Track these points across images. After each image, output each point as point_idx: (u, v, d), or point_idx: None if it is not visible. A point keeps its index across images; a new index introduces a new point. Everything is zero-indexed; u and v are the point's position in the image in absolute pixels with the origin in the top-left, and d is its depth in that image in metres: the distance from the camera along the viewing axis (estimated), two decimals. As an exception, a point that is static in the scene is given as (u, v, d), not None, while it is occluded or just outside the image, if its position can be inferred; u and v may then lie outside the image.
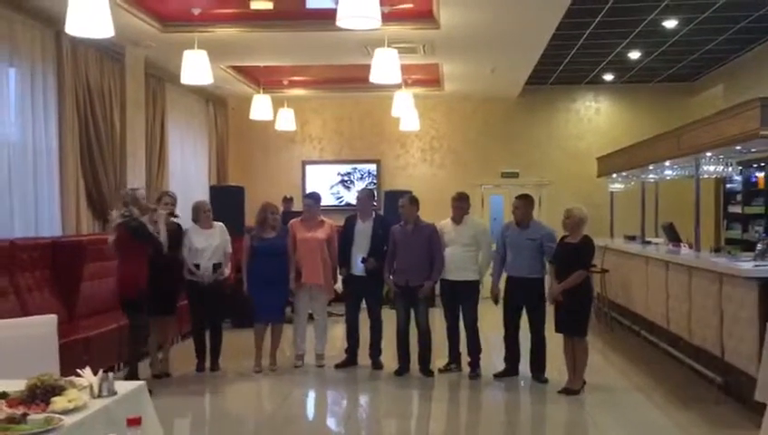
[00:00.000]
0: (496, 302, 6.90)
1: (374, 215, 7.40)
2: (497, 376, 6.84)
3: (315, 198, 7.52)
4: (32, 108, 7.33)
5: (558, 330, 6.42)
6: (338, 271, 7.38)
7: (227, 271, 7.25)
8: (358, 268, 7.15)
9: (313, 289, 7.30)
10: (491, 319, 7.21)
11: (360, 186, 12.76)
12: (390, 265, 7.08)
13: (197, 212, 7.16)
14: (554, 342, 6.64)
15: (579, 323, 6.30)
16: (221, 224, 7.23)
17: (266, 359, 7.22)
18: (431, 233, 6.98)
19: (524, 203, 6.84)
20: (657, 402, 6.13)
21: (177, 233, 6.97)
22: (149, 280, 6.86)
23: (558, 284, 6.31)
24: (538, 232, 6.75)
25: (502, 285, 6.92)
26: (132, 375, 6.08)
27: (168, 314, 6.96)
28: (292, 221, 7.52)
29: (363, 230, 7.21)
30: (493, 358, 7.36)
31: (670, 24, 9.14)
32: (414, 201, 7.09)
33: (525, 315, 6.82)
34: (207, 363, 7.12)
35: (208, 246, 7.00)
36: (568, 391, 6.29)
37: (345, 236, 7.27)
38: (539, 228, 6.85)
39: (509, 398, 6.37)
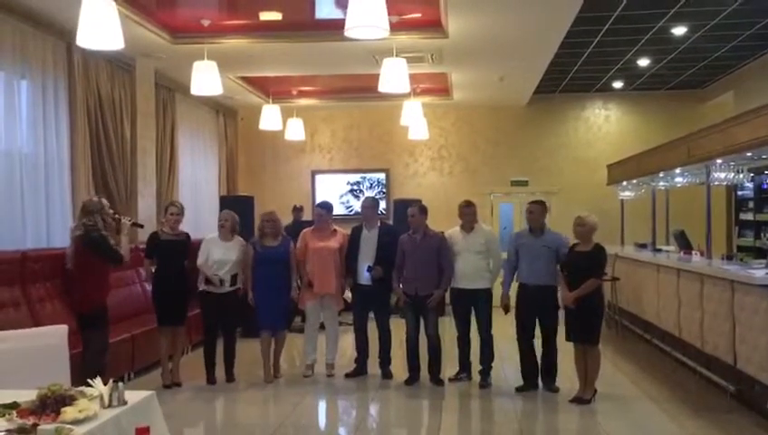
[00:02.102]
0: (507, 311, 6.86)
1: (380, 223, 7.41)
2: (519, 390, 6.72)
3: (327, 207, 7.53)
4: (43, 119, 7.39)
5: (569, 339, 6.39)
6: (345, 281, 7.38)
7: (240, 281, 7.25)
8: (364, 277, 7.16)
9: (325, 298, 7.31)
10: (500, 328, 7.18)
11: (369, 195, 12.77)
12: (399, 275, 7.07)
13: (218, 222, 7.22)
14: (565, 351, 6.61)
15: (591, 331, 6.27)
16: (240, 238, 7.23)
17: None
18: (440, 242, 6.97)
19: (539, 208, 6.80)
20: (669, 411, 6.09)
21: (184, 244, 6.99)
22: (158, 289, 6.92)
23: (569, 292, 6.29)
24: (554, 240, 6.69)
25: (512, 293, 6.88)
26: None
27: (178, 325, 6.97)
28: (304, 230, 7.54)
29: (369, 239, 7.22)
30: (502, 367, 7.34)
31: (679, 31, 9.12)
32: (423, 210, 7.08)
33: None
34: (218, 373, 7.11)
35: (227, 258, 7.00)
36: (579, 400, 6.26)
37: (351, 246, 7.27)
38: (554, 237, 6.78)
39: (520, 407, 6.33)
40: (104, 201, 6.08)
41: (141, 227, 7.12)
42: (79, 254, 5.87)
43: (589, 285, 6.18)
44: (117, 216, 6.19)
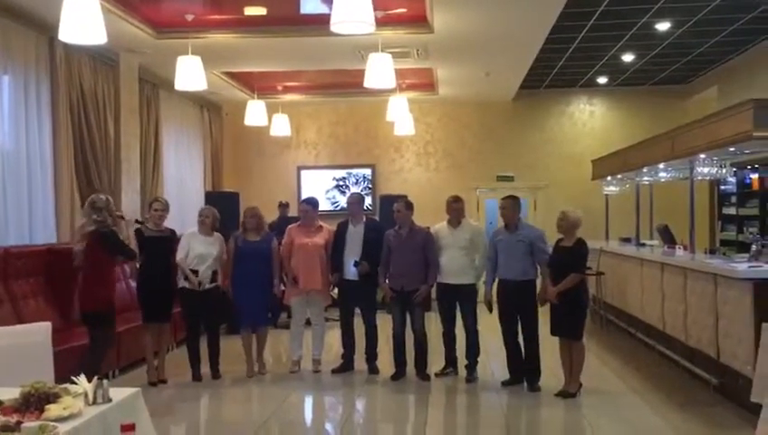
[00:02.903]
0: (490, 309, 6.87)
1: (365, 219, 7.41)
2: (505, 384, 6.75)
3: (312, 203, 7.51)
4: (25, 115, 7.31)
5: (554, 333, 6.42)
6: (330, 276, 7.36)
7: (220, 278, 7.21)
8: (350, 272, 7.15)
9: (311, 294, 7.30)
10: (486, 322, 7.19)
11: (355, 190, 12.76)
12: (385, 271, 7.07)
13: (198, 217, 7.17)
14: (551, 345, 6.64)
15: (574, 325, 6.30)
16: (220, 235, 7.19)
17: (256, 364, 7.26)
18: (426, 237, 6.97)
19: (512, 203, 6.79)
20: (654, 404, 6.13)
21: (170, 239, 6.95)
22: (144, 286, 6.88)
23: (553, 287, 6.31)
24: (528, 234, 6.70)
25: (493, 290, 6.88)
26: None
27: (164, 321, 6.93)
28: (290, 226, 7.52)
29: (355, 234, 7.21)
30: (488, 362, 7.35)
31: (663, 26, 9.17)
32: (409, 206, 7.08)
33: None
34: (204, 370, 7.08)
35: (208, 253, 6.96)
36: (564, 393, 6.29)
37: (337, 241, 7.27)
38: (529, 230, 6.83)
39: (506, 401, 6.35)
40: (110, 198, 6.09)
41: (142, 223, 7.10)
42: (90, 250, 5.83)
43: (570, 279, 6.20)
44: (118, 213, 6.22)
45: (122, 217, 6.26)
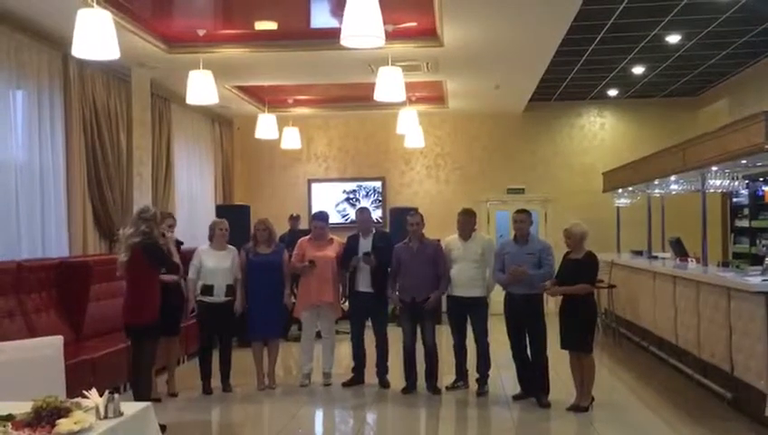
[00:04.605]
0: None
1: (374, 230, 7.46)
2: (516, 398, 6.71)
3: (324, 218, 7.53)
4: (39, 129, 7.37)
5: (563, 347, 6.38)
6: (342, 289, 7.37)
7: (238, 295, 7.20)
8: (362, 250, 7.13)
9: (322, 308, 7.30)
10: (497, 336, 7.16)
11: (365, 203, 12.81)
12: (394, 284, 7.07)
13: (212, 230, 7.16)
14: (562, 358, 6.60)
15: (583, 339, 6.26)
16: (234, 248, 7.20)
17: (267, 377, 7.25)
18: (436, 250, 6.97)
19: (527, 217, 6.80)
20: (667, 418, 6.08)
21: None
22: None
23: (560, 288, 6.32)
24: (536, 246, 6.69)
25: (500, 297, 6.83)
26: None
27: (173, 335, 6.93)
28: (301, 239, 7.54)
29: (365, 246, 7.24)
30: (499, 375, 7.32)
31: (673, 39, 9.16)
32: (423, 218, 7.10)
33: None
34: (214, 384, 7.08)
35: (219, 267, 6.96)
36: (576, 407, 6.24)
37: (348, 254, 7.28)
38: (537, 243, 6.81)
39: (517, 415, 6.32)
40: (157, 211, 6.06)
41: (182, 244, 7.13)
42: (134, 263, 5.76)
43: (579, 287, 6.18)
44: (163, 230, 6.21)
45: (163, 235, 6.22)
